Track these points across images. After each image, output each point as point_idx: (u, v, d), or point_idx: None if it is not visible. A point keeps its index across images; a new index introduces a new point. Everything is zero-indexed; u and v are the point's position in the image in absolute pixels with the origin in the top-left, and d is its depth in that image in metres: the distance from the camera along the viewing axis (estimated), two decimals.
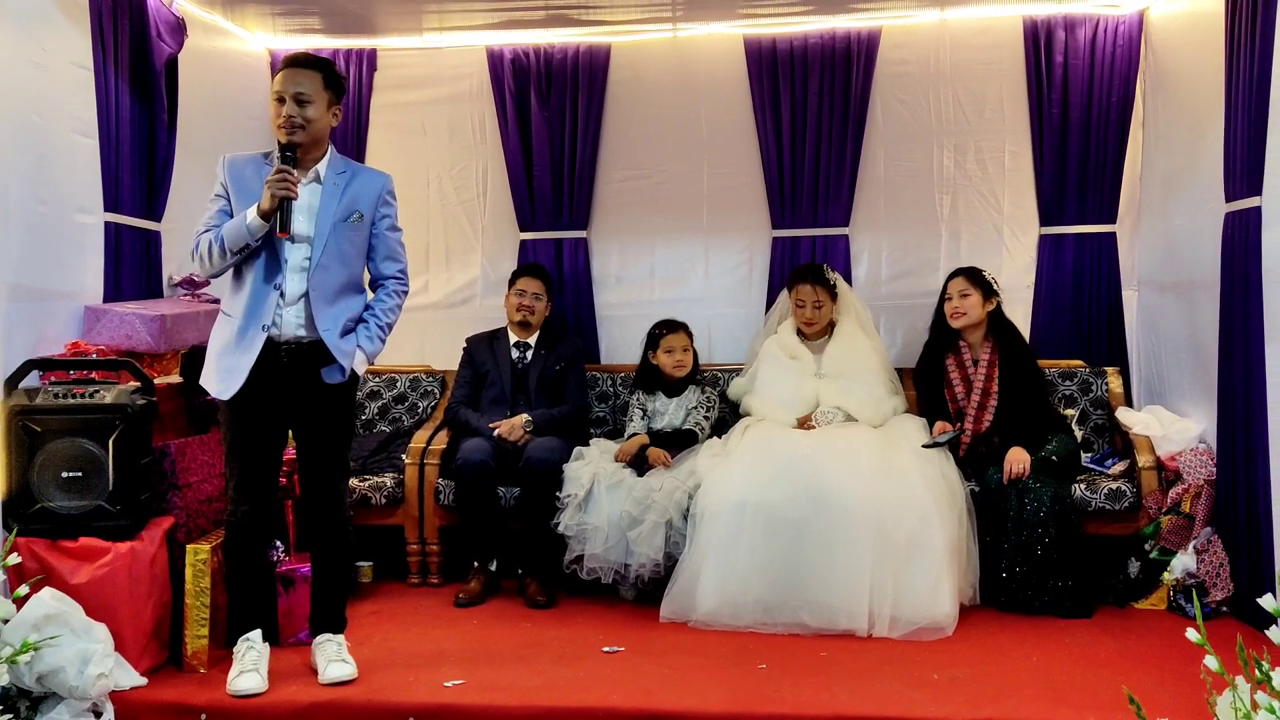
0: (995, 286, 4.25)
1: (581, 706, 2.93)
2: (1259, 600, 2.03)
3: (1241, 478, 3.58)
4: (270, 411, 3.11)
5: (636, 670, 3.22)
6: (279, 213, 2.99)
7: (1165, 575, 3.79)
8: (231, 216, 3.09)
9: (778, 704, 2.93)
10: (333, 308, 3.12)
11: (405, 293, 3.33)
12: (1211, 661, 2.04)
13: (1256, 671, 1.97)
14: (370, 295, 3.29)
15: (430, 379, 4.91)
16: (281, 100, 3.07)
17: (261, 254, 3.07)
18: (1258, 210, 3.43)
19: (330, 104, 3.13)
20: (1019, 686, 3.03)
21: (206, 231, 3.09)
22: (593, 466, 4.04)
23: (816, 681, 3.10)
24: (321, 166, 3.16)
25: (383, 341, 3.24)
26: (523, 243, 5.00)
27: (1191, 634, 2.07)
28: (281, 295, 3.07)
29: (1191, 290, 4.09)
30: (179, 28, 4.15)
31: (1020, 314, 4.69)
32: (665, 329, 4.42)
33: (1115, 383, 4.53)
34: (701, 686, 3.07)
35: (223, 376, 3.07)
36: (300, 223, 3.08)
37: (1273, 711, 1.90)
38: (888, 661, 3.28)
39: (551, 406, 4.40)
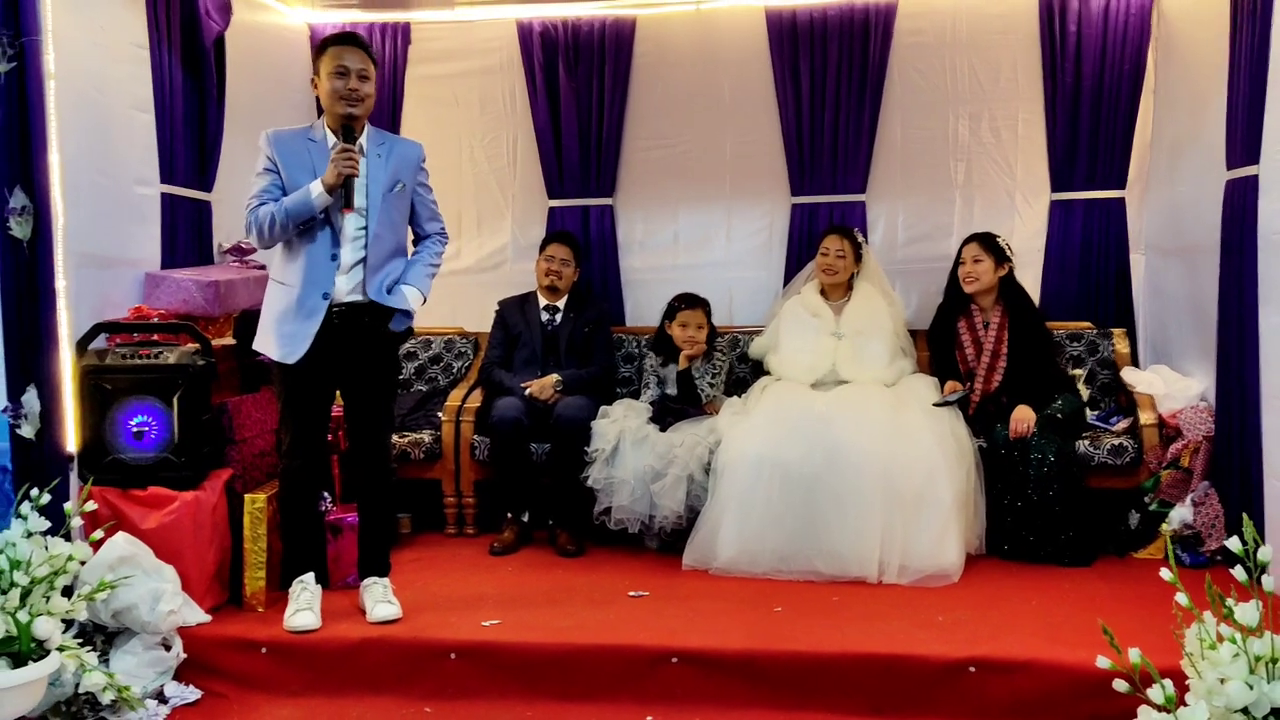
0: (1008, 252, 4.42)
1: (610, 644, 3.18)
2: (1225, 543, 2.23)
3: (1236, 434, 3.76)
4: (323, 373, 3.34)
5: (660, 613, 3.46)
6: (344, 189, 3.21)
7: (1164, 526, 3.97)
8: (283, 189, 3.28)
9: (792, 642, 3.15)
10: (380, 272, 3.35)
11: (446, 243, 3.60)
12: (1181, 598, 2.25)
13: (1223, 607, 2.18)
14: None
15: (464, 340, 5.14)
16: (343, 74, 3.25)
17: (319, 226, 3.27)
18: (1255, 178, 3.58)
19: (375, 83, 3.35)
20: (1017, 626, 3.24)
21: (262, 205, 3.27)
22: (619, 424, 4.26)
23: (829, 622, 3.33)
24: (363, 140, 3.35)
25: (430, 281, 3.50)
26: (551, 210, 5.19)
27: (1164, 573, 2.28)
28: (338, 264, 3.29)
29: (1194, 254, 4.24)
30: (226, 6, 4.34)
31: (1030, 277, 4.86)
32: (683, 304, 4.57)
33: (1122, 343, 4.69)
34: (721, 627, 3.30)
35: (285, 342, 3.28)
36: (355, 196, 3.29)
37: (1234, 641, 2.11)
38: (896, 605, 3.50)
39: (580, 367, 4.61)
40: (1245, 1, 3.66)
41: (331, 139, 3.32)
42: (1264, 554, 2.13)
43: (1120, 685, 2.18)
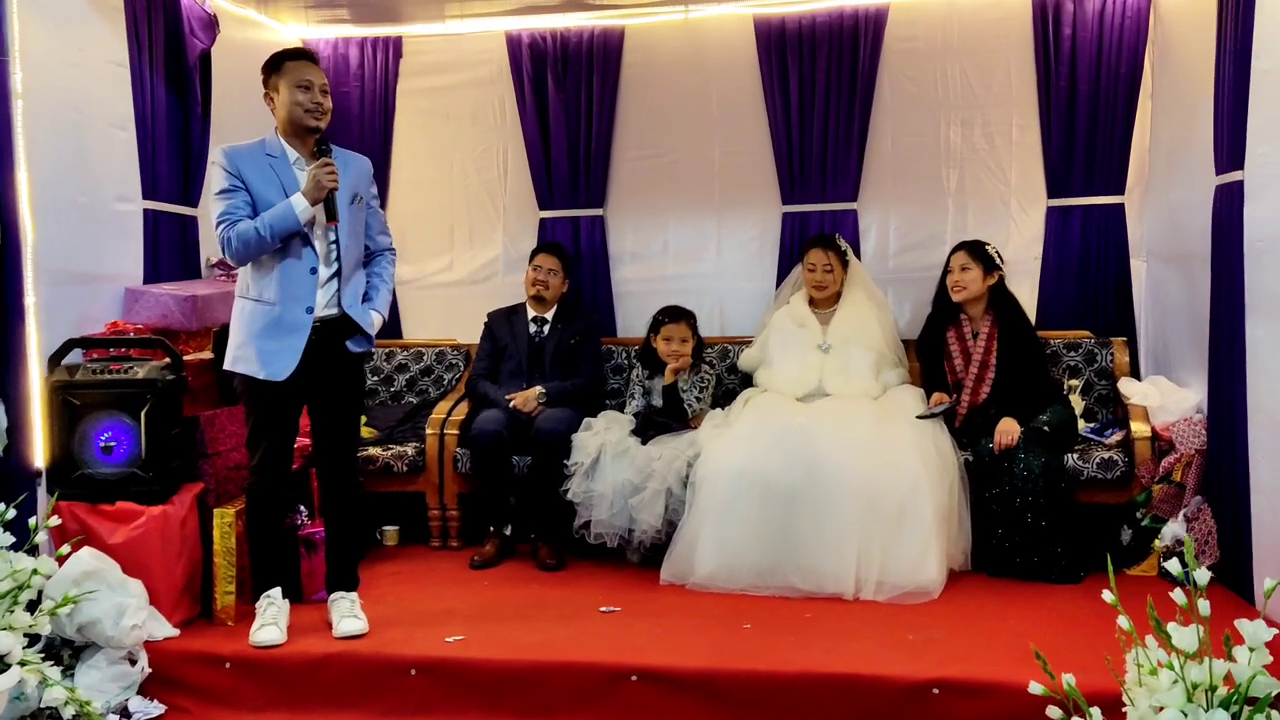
0: (997, 261, 4.32)
1: (568, 661, 3.14)
2: (1165, 565, 2.15)
3: (1228, 447, 3.64)
4: (296, 389, 3.33)
5: (629, 629, 3.42)
6: (325, 202, 3.22)
7: (1156, 542, 3.87)
8: (252, 205, 3.26)
9: (754, 661, 3.09)
10: (351, 284, 3.37)
11: (395, 258, 3.63)
12: (1123, 621, 2.17)
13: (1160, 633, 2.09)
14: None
15: (455, 352, 5.15)
16: (306, 88, 3.28)
17: (298, 240, 3.27)
18: (1240, 184, 3.47)
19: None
20: (989, 647, 3.16)
21: (237, 222, 3.22)
22: (599, 437, 4.23)
23: (796, 641, 3.26)
24: None
25: (388, 303, 3.53)
26: (542, 221, 5.18)
27: (1106, 595, 2.20)
28: (316, 277, 3.29)
29: (1190, 262, 4.11)
30: (211, 24, 4.39)
31: (1028, 286, 4.78)
32: (667, 317, 4.51)
33: (1121, 353, 4.58)
34: (686, 644, 3.25)
35: (268, 359, 3.25)
36: (320, 210, 3.29)
37: (1171, 668, 2.03)
38: (869, 623, 3.43)
39: (567, 379, 4.59)
40: (1229, 4, 3.55)
41: (292, 154, 3.33)
42: (1202, 577, 2.04)
43: (1053, 712, 2.11)
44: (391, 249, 3.59)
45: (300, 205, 3.21)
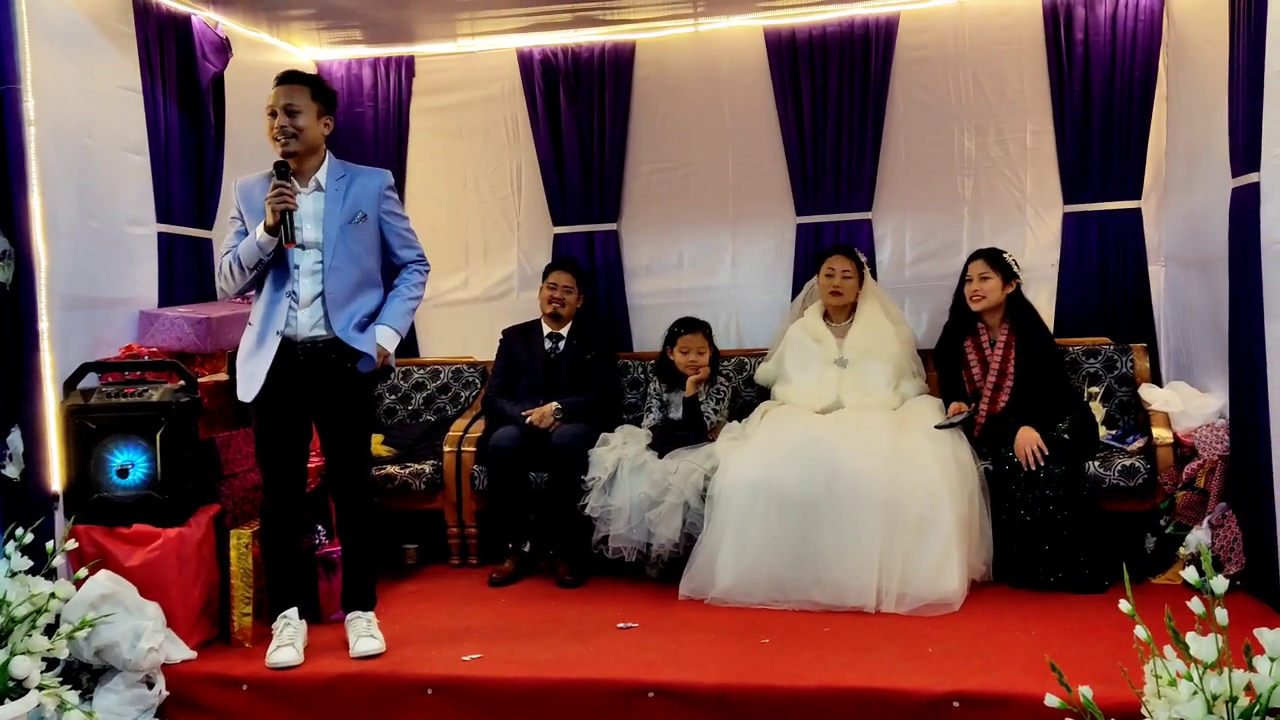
0: (1015, 269, 4.27)
1: (583, 679, 3.12)
2: (1184, 573, 2.11)
3: (1250, 453, 3.58)
4: (292, 409, 3.35)
5: (644, 645, 3.39)
6: (282, 225, 3.21)
7: (1180, 550, 3.81)
8: (247, 235, 3.32)
9: (770, 676, 3.06)
10: (348, 308, 3.33)
11: (426, 271, 3.56)
12: (1141, 631, 2.13)
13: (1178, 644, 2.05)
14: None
15: (472, 370, 5.15)
16: (274, 114, 3.29)
17: (278, 265, 3.30)
18: (1257, 186, 3.42)
19: (320, 114, 3.33)
20: (1010, 659, 3.11)
21: (227, 253, 3.33)
22: (617, 451, 4.21)
23: (814, 655, 3.23)
24: (321, 174, 3.35)
25: (408, 318, 3.48)
26: (556, 236, 5.19)
27: (1124, 605, 2.17)
28: (294, 299, 3.29)
29: (1210, 265, 4.06)
30: (223, 48, 4.42)
31: (1045, 293, 4.74)
32: (683, 329, 4.50)
33: (1141, 359, 4.52)
34: (702, 660, 3.22)
35: (244, 380, 3.33)
36: (308, 230, 3.30)
37: (1189, 679, 1.99)
38: (888, 636, 3.39)
39: (583, 395, 4.57)
40: (1241, 5, 3.51)
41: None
42: (1219, 585, 2.00)
43: None
44: (417, 262, 3.51)
45: (259, 233, 3.23)
